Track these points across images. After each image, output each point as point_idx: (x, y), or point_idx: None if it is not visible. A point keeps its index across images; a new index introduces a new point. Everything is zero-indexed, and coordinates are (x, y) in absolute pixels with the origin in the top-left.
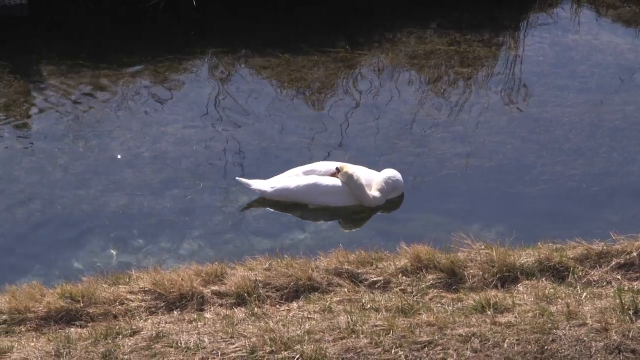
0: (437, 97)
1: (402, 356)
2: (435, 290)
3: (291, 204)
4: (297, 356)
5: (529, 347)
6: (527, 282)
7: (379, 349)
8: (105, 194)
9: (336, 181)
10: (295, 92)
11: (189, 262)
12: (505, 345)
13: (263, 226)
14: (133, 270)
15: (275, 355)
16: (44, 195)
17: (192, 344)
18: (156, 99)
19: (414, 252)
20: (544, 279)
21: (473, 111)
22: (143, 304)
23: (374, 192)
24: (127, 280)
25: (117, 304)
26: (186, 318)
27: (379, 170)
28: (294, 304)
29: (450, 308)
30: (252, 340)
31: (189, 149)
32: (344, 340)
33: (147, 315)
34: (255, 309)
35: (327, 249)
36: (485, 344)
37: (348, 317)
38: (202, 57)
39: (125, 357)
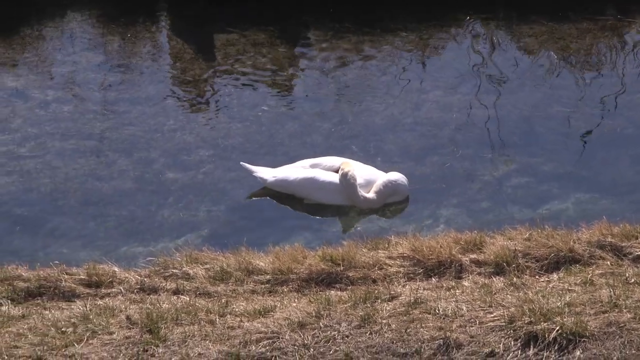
0: None
1: None
2: None
3: None
4: (557, 328)
5: None
6: None
7: None
8: (363, 160)
9: (334, 178)
10: (559, 60)
11: (447, 230)
12: None
13: (522, 195)
14: (392, 236)
15: (534, 326)
16: (305, 158)
17: (449, 311)
18: (418, 65)
19: None
20: None
21: None
22: (401, 269)
23: (369, 194)
24: (387, 245)
25: (376, 268)
26: (444, 285)
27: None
28: (554, 275)
29: None
30: (510, 310)
31: (449, 116)
32: (606, 314)
33: (405, 281)
34: (514, 278)
35: (589, 221)
36: None
37: (610, 291)
38: (465, 24)
39: (384, 321)
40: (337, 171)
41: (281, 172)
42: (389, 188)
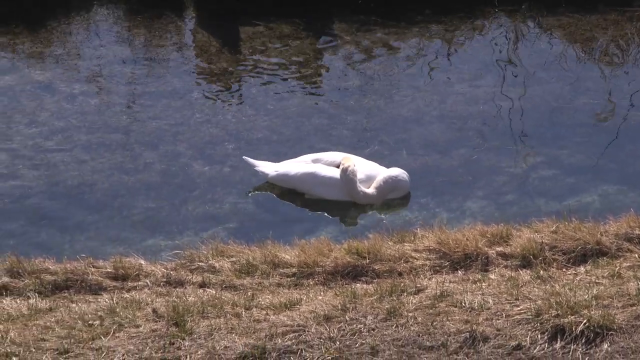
0: None
1: None
2: None
3: None
4: (584, 321)
5: None
6: None
7: None
8: (390, 152)
9: (335, 173)
10: (586, 52)
11: (473, 222)
12: None
13: (549, 188)
14: (418, 229)
15: (561, 320)
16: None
17: (476, 304)
18: (444, 56)
19: None
20: None
21: None
22: (427, 262)
23: (369, 190)
24: (412, 238)
25: (402, 261)
26: (470, 278)
27: None
28: (581, 268)
29: None
30: (537, 303)
31: (476, 108)
32: (634, 307)
33: (432, 274)
34: (541, 271)
35: (617, 213)
36: None
37: (638, 284)
38: (491, 15)
39: (410, 314)
40: (338, 166)
41: (282, 167)
42: (389, 184)
